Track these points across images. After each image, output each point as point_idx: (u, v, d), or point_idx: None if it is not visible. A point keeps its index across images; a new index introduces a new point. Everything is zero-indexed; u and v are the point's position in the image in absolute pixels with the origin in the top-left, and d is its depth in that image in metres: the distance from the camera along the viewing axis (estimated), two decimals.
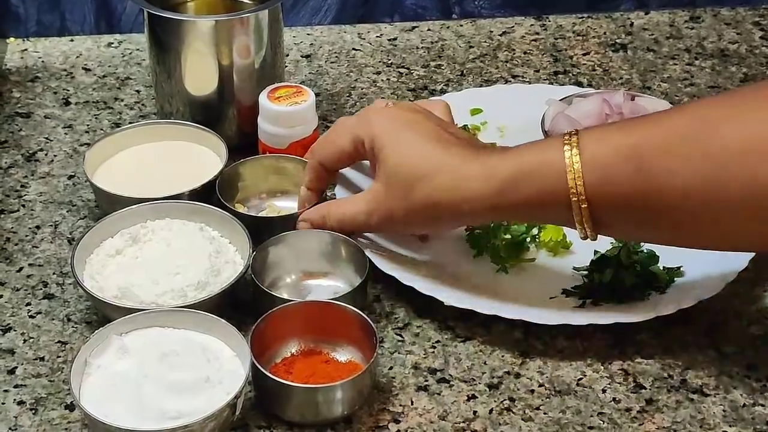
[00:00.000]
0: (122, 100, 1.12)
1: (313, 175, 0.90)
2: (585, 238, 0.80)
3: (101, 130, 1.07)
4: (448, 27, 1.24)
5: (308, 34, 1.22)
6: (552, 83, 1.14)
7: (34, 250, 0.93)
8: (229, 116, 1.02)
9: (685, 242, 0.80)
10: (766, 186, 0.73)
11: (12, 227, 0.96)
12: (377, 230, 0.88)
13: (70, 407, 0.79)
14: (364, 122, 0.86)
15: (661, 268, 0.88)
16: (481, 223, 0.89)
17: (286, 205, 0.95)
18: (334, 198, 0.94)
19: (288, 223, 0.90)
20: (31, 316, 0.87)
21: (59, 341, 0.85)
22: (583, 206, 0.78)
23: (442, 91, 1.12)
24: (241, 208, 0.94)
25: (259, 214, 0.93)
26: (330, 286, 0.88)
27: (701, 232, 0.77)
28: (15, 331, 0.86)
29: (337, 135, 0.89)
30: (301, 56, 1.19)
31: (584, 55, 1.19)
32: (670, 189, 0.75)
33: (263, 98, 0.98)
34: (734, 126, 0.74)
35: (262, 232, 0.88)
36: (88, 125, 1.08)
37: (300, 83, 1.04)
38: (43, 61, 1.18)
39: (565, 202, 0.78)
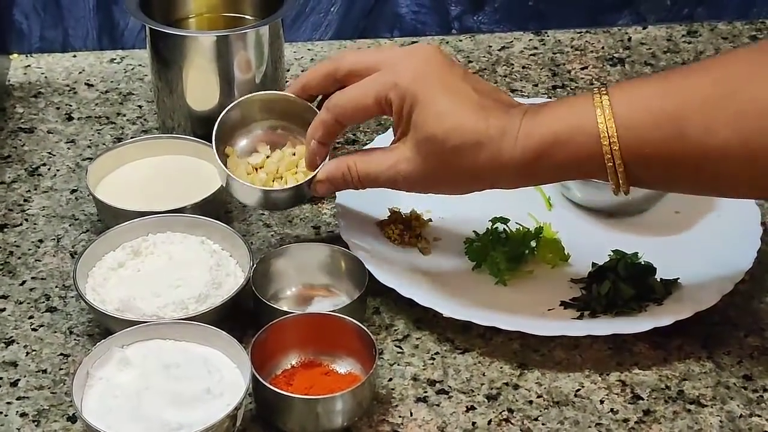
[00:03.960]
0: (124, 115, 1.13)
1: (326, 131, 0.86)
2: (618, 193, 0.80)
3: (103, 144, 1.08)
4: (447, 42, 1.25)
5: (309, 50, 1.23)
6: (550, 97, 1.15)
7: (37, 263, 0.94)
8: None
9: (722, 194, 0.82)
10: None
11: (15, 241, 0.97)
12: (402, 189, 0.85)
13: (72, 419, 0.80)
14: (390, 78, 0.81)
15: (659, 280, 0.88)
16: (514, 188, 0.85)
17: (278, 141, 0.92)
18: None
19: (300, 192, 0.88)
20: (33, 329, 0.88)
21: (61, 354, 0.85)
22: (619, 169, 0.77)
23: None
24: (231, 153, 0.91)
25: (250, 159, 0.91)
26: (330, 298, 0.89)
27: (739, 184, 0.78)
28: (18, 344, 0.86)
29: (358, 91, 0.83)
30: (302, 71, 1.20)
31: (582, 69, 1.20)
32: (709, 148, 0.76)
33: None
34: (764, 83, 0.75)
35: (273, 204, 0.89)
36: (90, 140, 1.09)
37: None
38: (46, 77, 1.18)
39: (599, 163, 0.78)
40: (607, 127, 0.77)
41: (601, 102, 0.77)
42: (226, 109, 0.90)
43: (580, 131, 0.78)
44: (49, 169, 1.05)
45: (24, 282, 0.92)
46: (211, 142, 0.88)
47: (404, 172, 0.82)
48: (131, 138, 1.07)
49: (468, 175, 0.81)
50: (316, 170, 0.87)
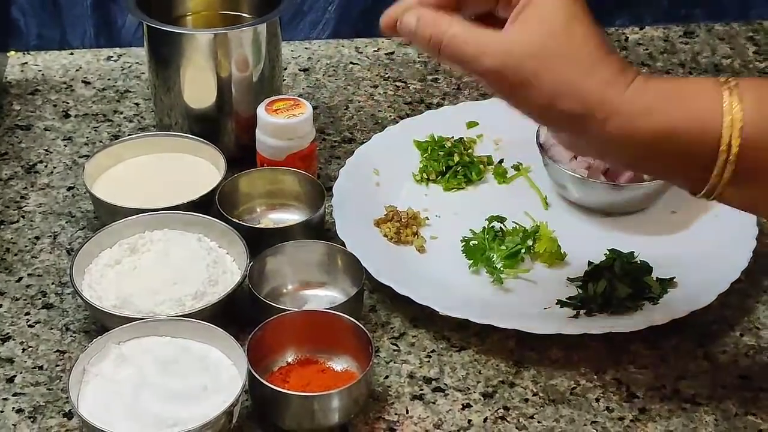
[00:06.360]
0: (121, 113, 1.13)
1: None
2: (698, 195, 0.72)
3: (100, 142, 1.08)
4: None
5: (306, 48, 1.23)
6: None
7: (34, 260, 0.94)
8: (227, 128, 1.03)
9: None
10: None
11: (12, 238, 0.97)
12: (481, 77, 0.72)
13: (69, 415, 0.80)
14: None
15: (654, 279, 0.88)
16: (587, 151, 0.76)
17: (282, 218, 0.96)
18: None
19: (287, 235, 0.91)
20: (30, 326, 0.88)
21: (58, 350, 0.85)
22: (731, 161, 0.69)
23: (439, 105, 1.13)
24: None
25: (257, 226, 0.94)
26: (326, 296, 0.89)
27: None
28: (14, 340, 0.86)
29: None
30: (299, 70, 1.20)
31: None
32: None
33: (261, 111, 0.99)
34: None
35: (262, 243, 0.89)
36: (87, 137, 1.09)
37: (298, 96, 1.05)
38: (43, 74, 1.19)
39: (709, 149, 0.69)
40: (733, 115, 0.69)
41: (729, 87, 0.70)
42: (231, 177, 0.95)
43: (699, 120, 0.69)
44: (45, 167, 1.05)
45: (20, 279, 0.92)
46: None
47: (489, 66, 0.70)
48: (128, 135, 1.07)
49: (561, 86, 0.70)
50: None
